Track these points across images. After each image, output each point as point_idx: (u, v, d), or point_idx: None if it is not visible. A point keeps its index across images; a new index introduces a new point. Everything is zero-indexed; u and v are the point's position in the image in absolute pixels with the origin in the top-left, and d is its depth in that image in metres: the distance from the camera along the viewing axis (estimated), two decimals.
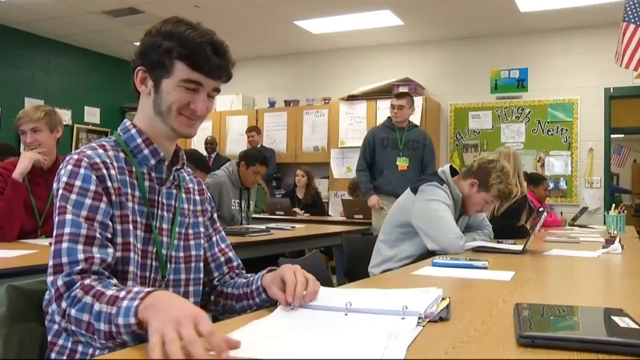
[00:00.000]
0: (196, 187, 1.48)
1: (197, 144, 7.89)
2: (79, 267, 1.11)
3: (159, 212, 1.32)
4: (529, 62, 6.88)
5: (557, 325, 1.05)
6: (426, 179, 2.83)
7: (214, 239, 1.50)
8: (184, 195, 1.41)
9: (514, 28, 6.76)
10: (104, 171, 1.23)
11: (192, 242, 1.40)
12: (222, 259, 1.49)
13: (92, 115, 8.28)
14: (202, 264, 1.42)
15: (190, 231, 1.40)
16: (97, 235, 1.16)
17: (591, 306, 1.23)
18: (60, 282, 1.09)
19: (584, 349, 0.88)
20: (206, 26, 1.31)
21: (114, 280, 1.14)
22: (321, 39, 7.42)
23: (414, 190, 2.78)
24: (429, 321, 1.07)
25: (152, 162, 1.32)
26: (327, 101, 7.59)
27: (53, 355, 1.20)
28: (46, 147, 2.74)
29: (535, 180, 5.36)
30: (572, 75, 6.66)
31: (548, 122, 6.74)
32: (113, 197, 1.23)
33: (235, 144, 7.92)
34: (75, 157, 1.23)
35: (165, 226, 1.33)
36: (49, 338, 1.21)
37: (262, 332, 0.99)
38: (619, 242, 2.73)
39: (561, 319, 1.09)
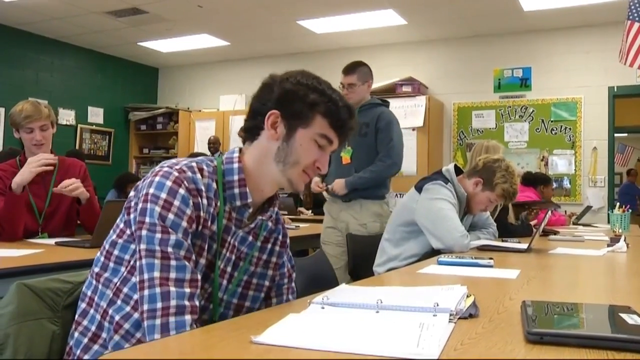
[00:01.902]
0: (280, 238, 1.44)
1: (201, 144, 7.92)
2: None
3: (227, 253, 1.30)
4: (532, 61, 6.87)
5: (566, 322, 1.05)
6: (430, 177, 2.84)
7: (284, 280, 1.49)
8: (258, 244, 1.38)
9: (518, 27, 6.75)
10: (199, 199, 1.20)
11: (250, 293, 1.38)
12: (284, 297, 1.48)
13: (96, 115, 8.30)
14: None
15: (254, 281, 1.38)
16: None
17: (598, 304, 1.23)
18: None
19: (593, 345, 0.88)
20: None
21: None
22: (324, 39, 7.42)
23: (419, 189, 2.78)
24: (459, 318, 1.08)
25: (238, 203, 1.29)
26: None
27: (76, 335, 1.23)
28: (49, 144, 2.71)
29: (544, 180, 5.35)
30: (576, 74, 6.65)
31: (551, 121, 6.73)
32: (199, 228, 1.21)
33: (238, 143, 7.93)
34: (175, 174, 1.19)
35: (228, 269, 1.31)
36: (76, 317, 1.25)
37: (300, 325, 1.01)
38: (624, 240, 2.72)
39: (569, 316, 1.09)
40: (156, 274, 1.11)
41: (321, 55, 7.97)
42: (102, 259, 1.25)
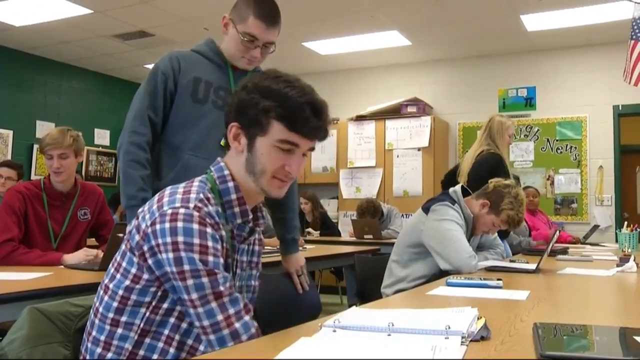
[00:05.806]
0: (257, 237, 1.43)
1: None
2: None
3: (238, 270, 1.33)
4: (536, 81, 6.89)
5: (579, 345, 1.05)
6: (438, 198, 2.84)
7: None
8: (256, 248, 1.41)
9: (521, 47, 6.79)
10: (221, 232, 1.21)
11: (245, 295, 1.41)
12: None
13: (102, 137, 8.35)
14: None
15: (246, 283, 1.41)
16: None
17: (611, 326, 1.23)
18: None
19: None
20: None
21: None
22: (329, 60, 7.47)
23: (426, 210, 2.78)
24: (471, 340, 1.07)
25: (238, 221, 1.29)
26: (335, 121, 7.61)
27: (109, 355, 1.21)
28: (70, 172, 2.76)
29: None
30: (581, 93, 6.67)
31: (557, 140, 6.73)
32: (227, 259, 1.24)
33: None
34: (196, 213, 1.17)
35: (238, 283, 1.34)
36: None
37: (313, 349, 1.01)
38: (634, 260, 2.70)
39: (583, 338, 1.09)
40: (219, 317, 1.15)
41: (326, 76, 8.01)
42: (115, 304, 1.20)
